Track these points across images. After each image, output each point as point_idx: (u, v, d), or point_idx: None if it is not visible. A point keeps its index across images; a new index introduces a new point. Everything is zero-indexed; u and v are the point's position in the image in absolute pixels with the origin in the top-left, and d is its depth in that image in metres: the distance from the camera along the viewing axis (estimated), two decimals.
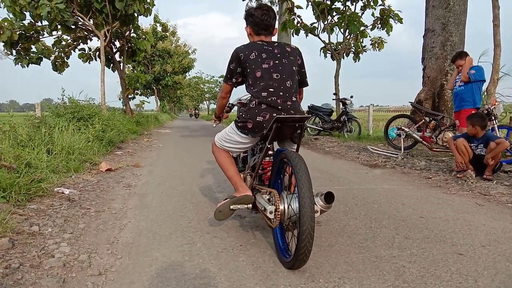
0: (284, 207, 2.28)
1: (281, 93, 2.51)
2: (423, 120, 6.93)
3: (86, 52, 14.53)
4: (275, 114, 2.38)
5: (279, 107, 2.47)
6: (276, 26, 2.75)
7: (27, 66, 12.89)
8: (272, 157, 2.63)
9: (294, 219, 2.21)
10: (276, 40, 2.72)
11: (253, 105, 2.51)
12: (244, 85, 2.69)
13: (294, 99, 2.56)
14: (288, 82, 2.55)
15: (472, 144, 4.85)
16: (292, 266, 2.10)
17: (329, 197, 2.22)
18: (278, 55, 2.58)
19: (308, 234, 1.97)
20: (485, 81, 6.01)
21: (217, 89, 59.91)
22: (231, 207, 2.52)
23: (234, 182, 2.67)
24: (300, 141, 2.56)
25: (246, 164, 3.13)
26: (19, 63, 12.71)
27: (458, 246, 2.51)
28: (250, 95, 2.61)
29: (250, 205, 2.56)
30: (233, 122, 2.69)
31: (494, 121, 5.59)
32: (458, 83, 5.94)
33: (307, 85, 2.80)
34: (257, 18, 2.65)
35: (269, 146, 2.51)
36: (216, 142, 2.79)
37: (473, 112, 5.31)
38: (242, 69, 2.61)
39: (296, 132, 2.52)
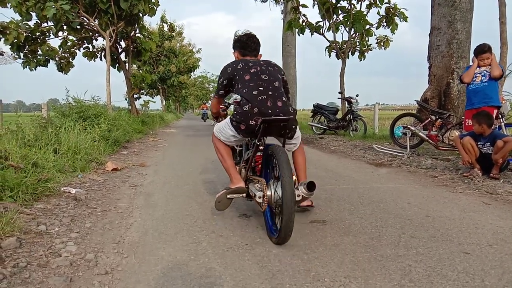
0: (271, 193, 2.65)
1: (270, 92, 2.84)
2: (429, 119, 6.89)
3: (91, 50, 14.57)
4: (267, 118, 2.68)
5: (269, 111, 2.77)
6: (261, 52, 3.20)
7: (35, 69, 12.97)
8: (262, 152, 2.96)
9: (279, 202, 2.49)
10: (260, 58, 3.24)
11: (246, 108, 2.78)
12: (233, 90, 3.04)
13: (284, 99, 2.90)
14: (276, 83, 2.93)
15: (479, 143, 4.82)
16: (278, 241, 2.50)
17: (311, 186, 2.58)
18: (264, 66, 3.03)
19: (290, 214, 2.35)
20: (502, 79, 5.83)
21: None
22: (228, 196, 2.85)
23: (230, 174, 3.02)
24: (285, 136, 2.90)
25: (242, 157, 3.51)
26: (27, 67, 12.77)
27: (465, 245, 2.49)
28: (240, 97, 2.91)
29: (244, 194, 2.90)
30: (229, 118, 3.02)
31: (501, 119, 5.54)
32: (480, 78, 5.49)
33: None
34: (243, 42, 3.21)
35: (258, 143, 2.83)
36: (215, 132, 3.13)
37: (494, 110, 5.21)
38: (228, 80, 3.02)
39: (282, 130, 2.84)
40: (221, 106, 3.49)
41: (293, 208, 2.37)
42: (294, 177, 2.88)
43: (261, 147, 2.89)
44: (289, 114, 2.81)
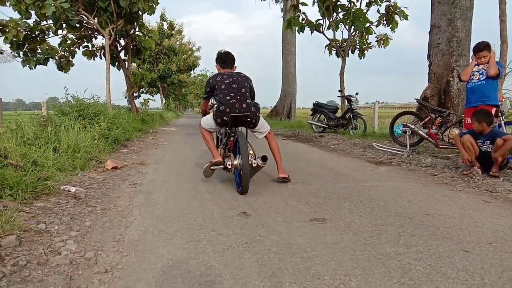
0: (236, 162, 4.01)
1: (238, 97, 4.17)
2: (429, 117, 6.89)
3: (90, 49, 14.55)
4: (233, 114, 4.09)
5: (236, 110, 4.11)
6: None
7: (35, 68, 12.95)
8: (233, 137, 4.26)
9: (240, 167, 3.82)
10: (234, 71, 4.57)
11: (221, 109, 4.12)
12: (214, 95, 4.34)
13: (248, 101, 4.22)
14: (243, 89, 4.25)
15: (478, 141, 4.82)
16: (241, 192, 3.83)
17: (264, 158, 3.98)
18: (235, 77, 4.32)
19: (246, 174, 3.72)
20: (502, 77, 5.75)
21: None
22: (211, 167, 4.20)
23: (212, 152, 4.36)
24: (247, 126, 4.32)
25: (221, 142, 4.86)
26: (27, 65, 12.76)
27: (465, 243, 2.50)
28: (218, 101, 4.19)
29: (222, 166, 4.17)
30: (212, 114, 4.34)
31: (501, 117, 5.53)
32: (477, 76, 5.47)
33: (254, 98, 4.50)
34: (223, 58, 4.57)
35: (229, 131, 4.31)
36: (201, 123, 4.47)
37: (493, 109, 5.19)
38: (211, 88, 4.37)
39: (244, 122, 4.24)
40: (209, 105, 4.58)
41: (248, 170, 3.73)
42: (252, 152, 4.03)
43: (232, 134, 4.26)
44: (249, 112, 4.15)
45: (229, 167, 4.09)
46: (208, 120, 4.38)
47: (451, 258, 2.25)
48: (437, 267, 2.13)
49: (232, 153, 4.21)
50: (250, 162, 3.83)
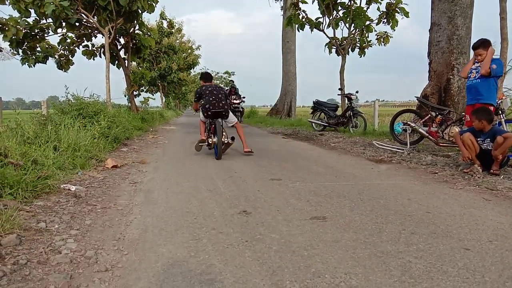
0: (215, 140, 6.22)
1: (217, 99, 6.47)
2: (429, 115, 6.88)
3: (90, 48, 14.53)
4: (213, 110, 6.38)
5: (216, 108, 6.40)
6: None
7: (34, 66, 12.91)
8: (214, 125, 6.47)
9: (216, 143, 6.16)
10: (213, 83, 7.00)
11: (207, 107, 6.45)
12: (201, 99, 6.65)
13: (223, 102, 6.50)
14: (219, 95, 6.55)
15: (478, 139, 4.81)
16: (217, 158, 6.12)
17: (232, 138, 6.43)
18: (214, 88, 6.65)
19: (220, 146, 6.10)
20: (502, 76, 5.66)
21: (222, 85, 61.41)
22: (199, 144, 6.63)
23: (201, 134, 6.96)
24: (223, 118, 6.52)
25: (208, 128, 6.78)
26: (26, 63, 12.74)
27: (465, 241, 2.50)
28: (204, 103, 6.54)
29: (206, 143, 6.53)
30: (201, 110, 6.67)
31: (501, 115, 5.52)
32: (474, 74, 5.47)
33: (228, 98, 7.59)
34: (204, 76, 7.12)
35: (211, 121, 6.54)
36: (200, 116, 6.85)
37: (490, 108, 5.17)
38: (199, 95, 6.71)
39: (220, 115, 6.47)
40: (198, 105, 6.90)
41: (221, 144, 6.11)
42: (224, 134, 6.31)
43: (213, 123, 6.48)
44: (223, 109, 6.48)
45: (210, 143, 6.46)
46: (201, 115, 6.78)
47: (452, 256, 2.25)
48: (437, 265, 2.13)
49: (213, 134, 6.44)
50: (223, 140, 6.25)
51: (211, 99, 6.44)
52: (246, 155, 6.62)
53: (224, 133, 6.26)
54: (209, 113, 6.44)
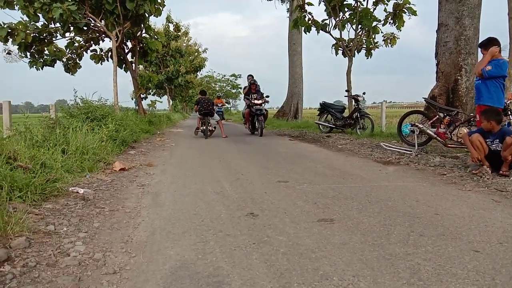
0: (204, 128, 11.74)
1: (206, 106, 11.64)
2: (437, 116, 6.83)
3: (98, 53, 14.66)
4: (204, 111, 11.60)
5: (205, 110, 11.55)
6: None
7: (42, 69, 13.04)
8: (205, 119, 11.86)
9: (204, 129, 11.75)
10: (206, 96, 12.40)
11: (201, 109, 11.59)
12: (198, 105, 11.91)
13: (211, 107, 11.75)
14: (208, 103, 11.79)
15: (487, 140, 4.77)
16: (205, 138, 11.46)
17: (215, 127, 12.34)
18: (206, 99, 12.00)
19: (206, 131, 11.57)
20: (506, 76, 5.39)
21: (228, 87, 61.60)
22: (196, 131, 12.22)
23: (197, 124, 12.25)
24: (209, 116, 11.71)
25: (204, 121, 11.69)
26: (34, 66, 12.88)
27: (475, 243, 2.47)
28: (199, 107, 11.70)
29: (200, 130, 11.97)
30: (198, 111, 11.83)
31: (510, 116, 5.47)
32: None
33: (214, 104, 13.60)
34: (202, 92, 12.88)
35: (203, 118, 11.75)
36: (197, 115, 12.26)
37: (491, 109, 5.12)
38: (198, 103, 11.98)
39: (208, 114, 11.67)
40: (196, 108, 11.75)
41: (207, 130, 11.55)
42: (210, 124, 11.67)
43: (204, 119, 11.63)
44: (210, 111, 11.59)
45: (202, 129, 11.54)
46: (198, 114, 11.68)
47: (461, 258, 2.22)
48: (446, 267, 2.11)
49: (204, 125, 11.50)
50: (209, 128, 11.50)
51: (204, 105, 11.51)
52: (253, 157, 6.62)
53: (209, 124, 11.61)
54: (202, 113, 11.49)
